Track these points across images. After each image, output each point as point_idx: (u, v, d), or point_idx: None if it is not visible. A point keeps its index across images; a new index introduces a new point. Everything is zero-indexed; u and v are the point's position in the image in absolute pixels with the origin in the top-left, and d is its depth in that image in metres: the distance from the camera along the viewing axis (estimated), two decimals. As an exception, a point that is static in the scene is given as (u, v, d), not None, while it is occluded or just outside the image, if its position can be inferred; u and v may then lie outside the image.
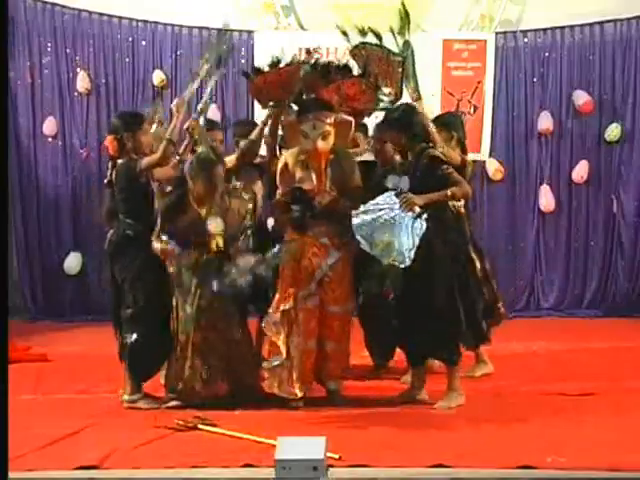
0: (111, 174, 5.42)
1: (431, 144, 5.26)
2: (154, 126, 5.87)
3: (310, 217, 5.24)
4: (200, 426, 4.79)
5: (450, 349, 5.33)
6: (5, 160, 3.64)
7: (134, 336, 5.31)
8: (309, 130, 5.24)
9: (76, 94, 8.96)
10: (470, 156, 8.43)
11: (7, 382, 3.18)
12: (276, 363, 5.19)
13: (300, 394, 5.23)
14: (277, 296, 5.25)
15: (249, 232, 5.53)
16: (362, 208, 5.02)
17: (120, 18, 8.95)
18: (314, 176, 5.29)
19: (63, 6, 8.91)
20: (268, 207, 6.02)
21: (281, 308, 5.23)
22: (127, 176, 5.34)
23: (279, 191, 5.45)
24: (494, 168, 8.88)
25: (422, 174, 5.14)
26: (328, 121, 5.27)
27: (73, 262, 8.95)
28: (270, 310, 5.22)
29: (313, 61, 5.50)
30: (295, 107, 5.51)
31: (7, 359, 3.52)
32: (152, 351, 5.35)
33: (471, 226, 5.93)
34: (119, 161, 5.37)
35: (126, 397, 5.39)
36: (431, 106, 5.88)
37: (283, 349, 5.23)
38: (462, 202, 5.62)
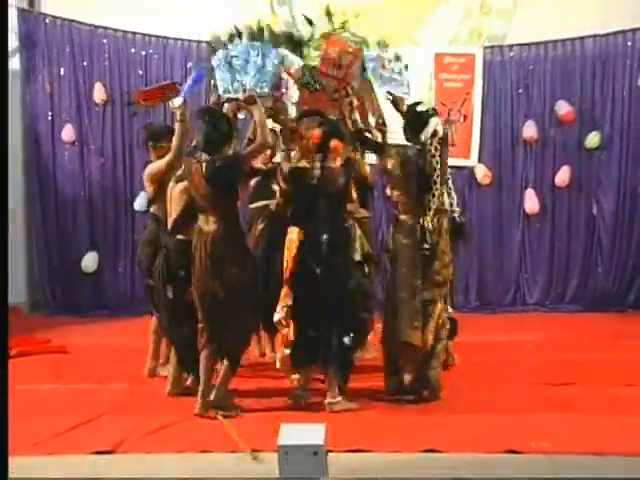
0: (322, 177, 5.08)
1: None
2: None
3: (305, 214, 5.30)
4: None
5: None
6: (5, 160, 3.55)
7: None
8: (304, 131, 5.31)
9: (93, 104, 8.98)
10: (460, 162, 8.53)
11: (7, 381, 3.13)
12: (287, 352, 5.19)
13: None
14: (282, 293, 5.25)
15: None
16: None
17: (134, 33, 8.96)
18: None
19: (80, 22, 8.92)
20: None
21: (285, 304, 5.24)
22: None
23: (279, 190, 5.53)
24: (482, 173, 8.89)
25: None
26: None
27: (90, 261, 8.95)
28: (278, 307, 5.20)
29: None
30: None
31: (7, 358, 3.41)
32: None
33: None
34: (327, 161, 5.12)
35: (330, 401, 5.00)
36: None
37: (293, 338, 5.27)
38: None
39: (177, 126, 5.43)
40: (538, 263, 9.04)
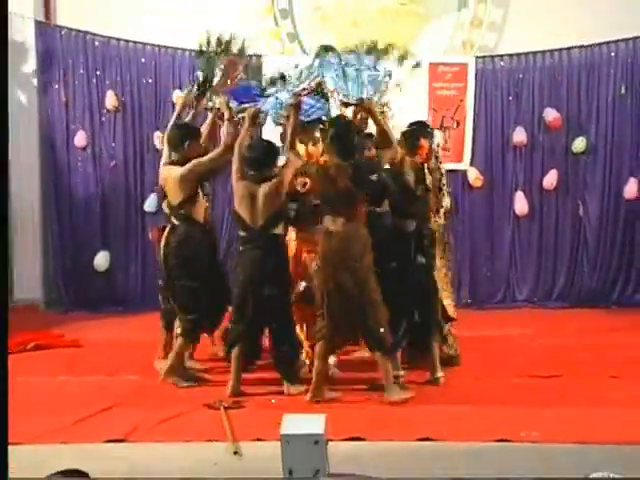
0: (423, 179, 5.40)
1: None
2: None
3: (306, 214, 5.39)
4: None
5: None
6: (5, 160, 3.49)
7: None
8: (304, 138, 5.53)
9: (105, 111, 8.97)
10: (453, 166, 8.53)
11: (7, 381, 3.10)
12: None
13: (307, 362, 5.50)
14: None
15: None
16: None
17: (144, 44, 8.94)
18: (308, 179, 5.47)
19: (94, 34, 8.91)
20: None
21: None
22: None
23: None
24: (474, 176, 8.87)
25: None
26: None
27: (102, 260, 8.94)
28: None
29: None
30: None
31: (7, 357, 3.36)
32: None
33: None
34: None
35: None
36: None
37: (300, 332, 5.48)
38: None
39: (226, 125, 5.45)
40: (527, 262, 9.03)
